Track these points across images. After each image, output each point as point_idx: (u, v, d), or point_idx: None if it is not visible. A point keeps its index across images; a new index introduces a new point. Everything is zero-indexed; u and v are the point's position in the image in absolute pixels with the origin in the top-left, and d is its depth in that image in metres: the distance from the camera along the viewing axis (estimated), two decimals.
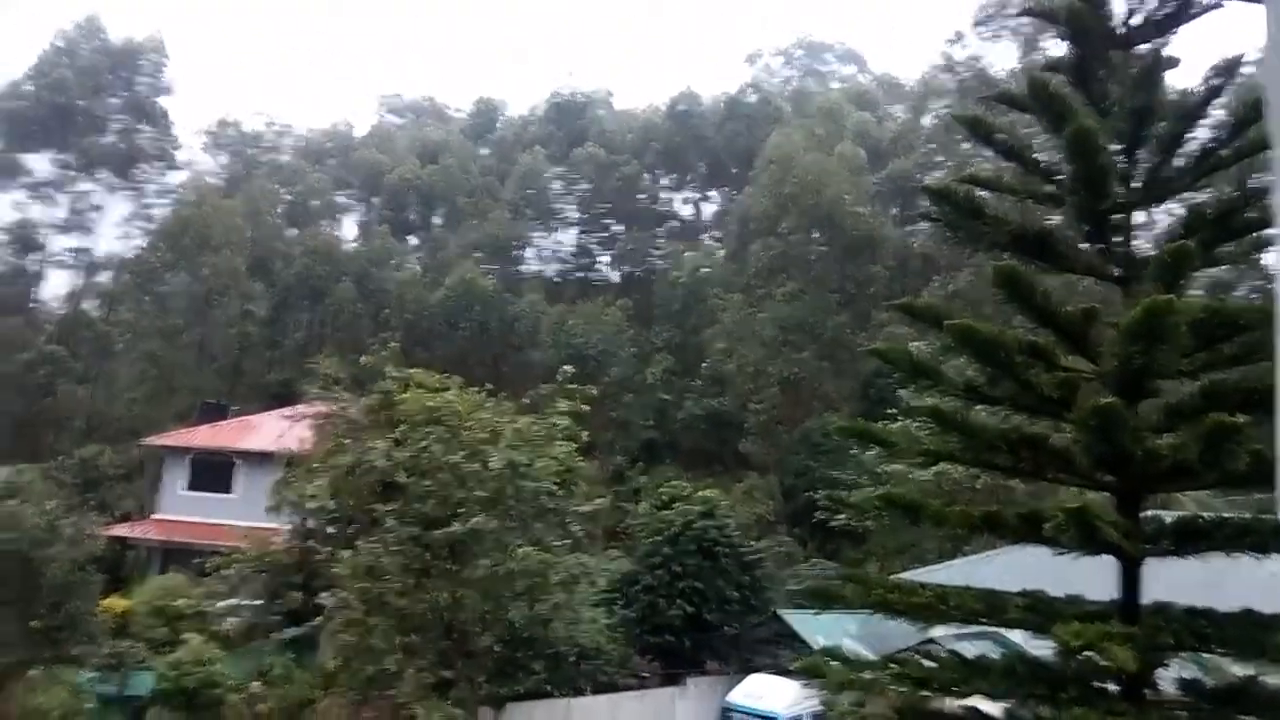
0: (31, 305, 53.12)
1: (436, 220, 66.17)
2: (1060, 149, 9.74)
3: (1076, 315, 9.29)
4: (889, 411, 24.23)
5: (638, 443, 45.76)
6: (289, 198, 65.47)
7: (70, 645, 21.85)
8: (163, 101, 56.63)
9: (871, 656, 10.77)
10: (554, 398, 20.50)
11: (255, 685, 18.35)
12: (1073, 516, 8.20)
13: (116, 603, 25.28)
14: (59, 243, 54.02)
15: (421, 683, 17.03)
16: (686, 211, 69.24)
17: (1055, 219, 10.85)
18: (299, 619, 20.66)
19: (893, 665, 9.65)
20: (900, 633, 10.95)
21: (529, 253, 64.36)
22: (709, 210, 69.12)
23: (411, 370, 22.30)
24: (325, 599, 19.10)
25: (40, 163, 53.01)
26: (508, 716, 19.70)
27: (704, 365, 46.61)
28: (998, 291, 9.58)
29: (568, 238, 67.06)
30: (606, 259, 65.70)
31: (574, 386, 20.59)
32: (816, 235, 46.39)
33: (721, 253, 56.34)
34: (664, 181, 67.77)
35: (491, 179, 65.99)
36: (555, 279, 64.74)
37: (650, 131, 66.45)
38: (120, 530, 31.01)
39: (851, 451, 27.45)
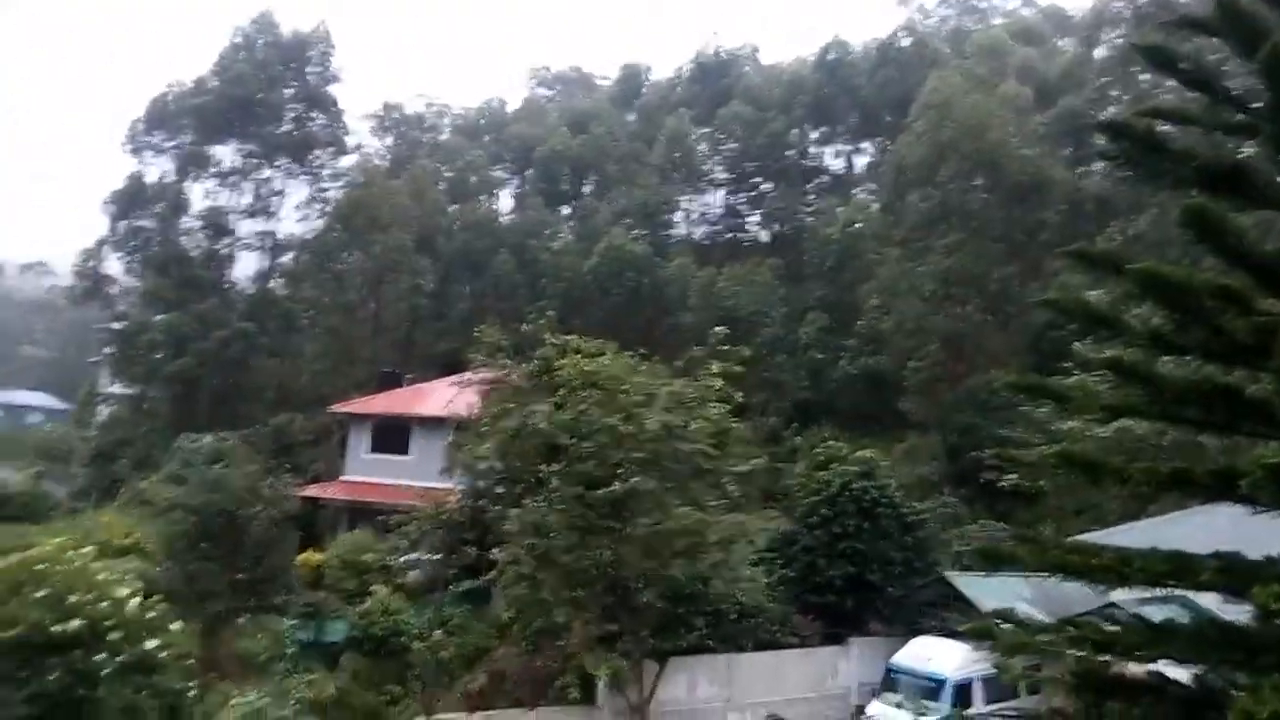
0: (225, 286, 57.82)
1: (587, 189, 67.29)
2: (1254, 74, 8.85)
3: (1274, 254, 8.49)
4: (1062, 366, 22.97)
5: (792, 403, 45.32)
6: (449, 175, 68.26)
7: (272, 595, 23.99)
8: (332, 90, 59.97)
9: (1047, 620, 10.38)
10: (706, 360, 20.59)
11: (437, 634, 19.56)
12: (1272, 472, 7.58)
13: (311, 557, 27.47)
14: (246, 227, 58.37)
15: (589, 635, 17.70)
16: (837, 165, 67.41)
17: (1248, 151, 9.91)
18: (474, 573, 21.83)
19: (1071, 629, 9.27)
20: (1077, 596, 10.48)
21: (677, 216, 64.50)
22: (861, 163, 67.03)
23: (568, 336, 22.93)
24: (497, 554, 20.12)
25: (227, 153, 57.33)
26: (671, 669, 20.17)
27: (859, 323, 45.49)
28: (1185, 232, 8.87)
29: (715, 199, 66.71)
30: (755, 218, 64.99)
31: (726, 348, 20.61)
32: (979, 182, 44.13)
33: (875, 206, 54.54)
34: (813, 136, 66.13)
35: (639, 144, 66.38)
36: (704, 241, 64.66)
37: (798, 85, 64.90)
38: (311, 491, 33.58)
39: (1021, 408, 26.16)
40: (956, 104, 43.70)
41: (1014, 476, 25.89)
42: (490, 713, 19.64)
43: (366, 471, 33.99)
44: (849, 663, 22.52)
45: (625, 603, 18.84)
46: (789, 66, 70.51)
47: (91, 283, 56.54)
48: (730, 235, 64.71)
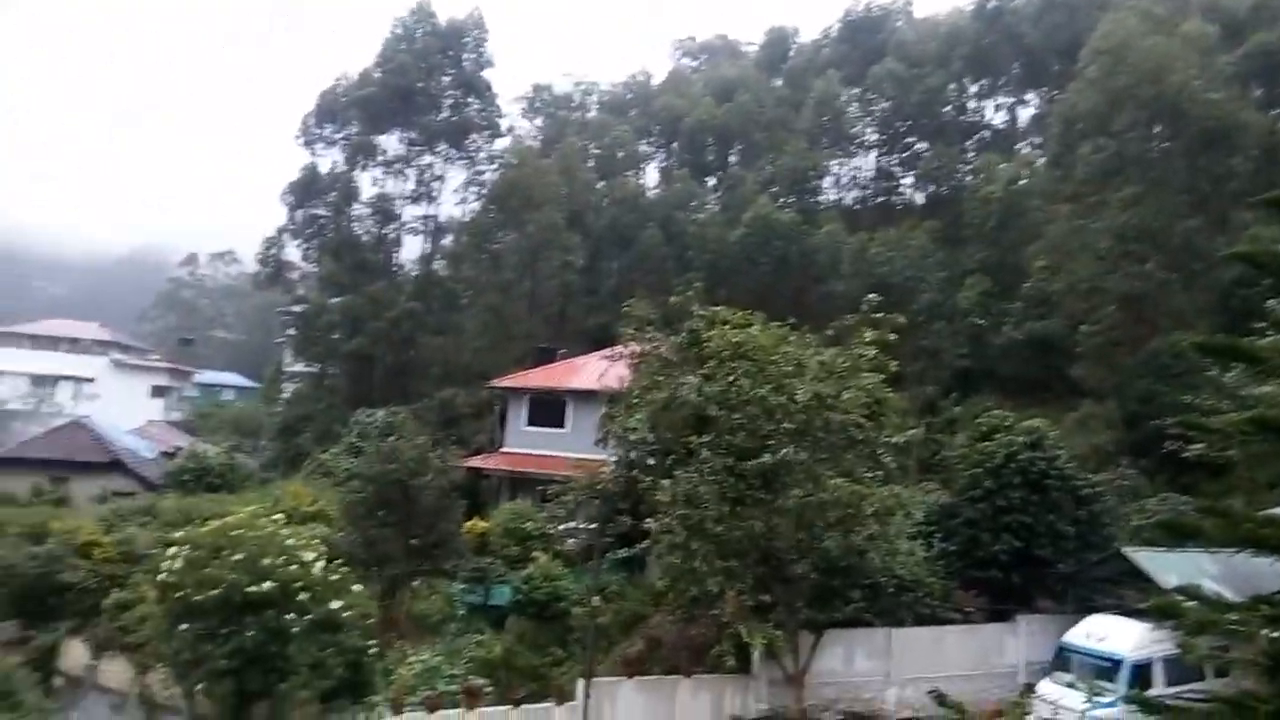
0: (394, 269, 61.05)
1: (733, 159, 66.70)
2: None
3: None
4: (1254, 325, 20.99)
5: (950, 372, 43.61)
6: (597, 152, 69.23)
7: (442, 560, 25.33)
8: (486, 74, 61.77)
9: (1236, 598, 9.61)
10: (859, 329, 20.07)
11: (595, 600, 20.14)
12: None
13: (476, 525, 28.82)
14: (410, 212, 61.35)
15: (742, 605, 17.77)
16: (999, 120, 63.87)
17: None
18: (628, 542, 22.30)
19: (1264, 607, 8.55)
20: (1270, 573, 9.64)
21: (826, 182, 62.97)
22: (1025, 116, 63.23)
23: (716, 308, 22.88)
24: (650, 524, 20.46)
25: (391, 142, 60.22)
26: (828, 641, 19.99)
27: (1025, 285, 43.12)
28: None
29: (866, 162, 64.69)
30: (909, 180, 62.58)
31: (879, 316, 20.01)
32: (1158, 130, 40.74)
33: (1041, 161, 51.31)
34: (972, 90, 62.87)
35: (786, 110, 65.12)
36: (855, 206, 62.89)
37: (956, 37, 61.75)
38: (475, 462, 35.18)
39: (1208, 373, 24.13)
40: (1133, 47, 40.35)
41: (1200, 446, 23.95)
42: (647, 678, 20.11)
43: (525, 443, 35.25)
44: (1016, 640, 21.64)
45: (778, 574, 18.78)
46: (945, 18, 67.21)
47: (274, 269, 60.93)
48: (882, 199, 62.63)
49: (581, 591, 22.70)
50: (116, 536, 28.92)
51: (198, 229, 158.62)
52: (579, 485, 23.79)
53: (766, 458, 17.64)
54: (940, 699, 15.96)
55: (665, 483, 18.93)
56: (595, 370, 30.40)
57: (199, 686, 19.62)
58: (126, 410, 63.98)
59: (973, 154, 59.02)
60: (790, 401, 18.01)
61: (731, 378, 18.84)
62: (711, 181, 66.96)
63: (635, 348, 23.73)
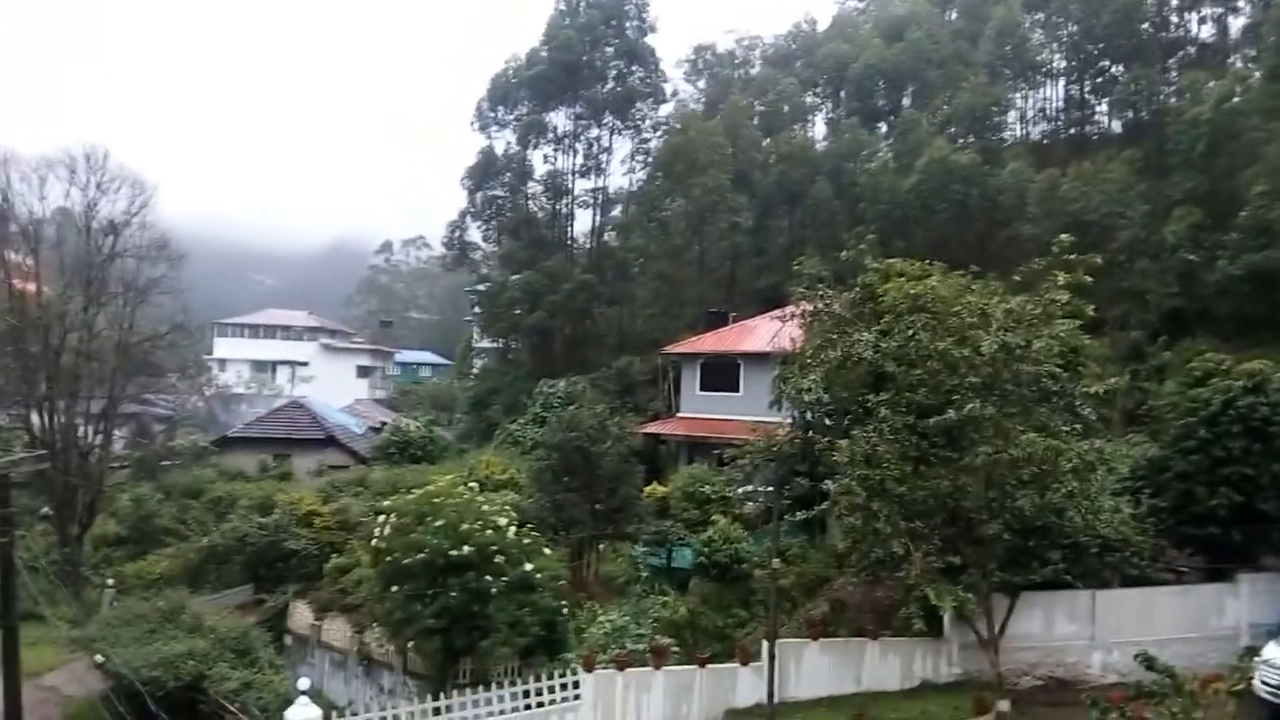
0: (568, 243, 62.72)
1: (905, 102, 63.67)
2: None
3: None
4: None
5: (1157, 314, 40.04)
6: (762, 109, 68.00)
7: (624, 524, 26.03)
8: (649, 40, 61.87)
9: None
10: (1050, 272, 18.72)
11: (775, 562, 20.08)
12: None
13: (656, 489, 29.37)
14: (580, 186, 62.72)
15: (929, 566, 17.19)
16: (1205, 33, 57.42)
17: None
18: (807, 504, 22.07)
19: None
20: None
21: (1010, 117, 58.95)
22: (1237, 26, 56.48)
23: (890, 260, 22.02)
24: (829, 485, 20.13)
25: (559, 118, 61.64)
26: (1024, 605, 19.05)
27: (1242, 215, 38.82)
28: None
29: (1054, 92, 60.07)
30: (1104, 108, 57.53)
31: (1073, 257, 18.56)
32: None
33: (1257, 75, 45.81)
34: (1174, 2, 56.79)
35: (962, 44, 61.41)
36: (1042, 141, 58.63)
37: None
38: (652, 427, 35.80)
39: None
40: None
41: None
42: (832, 640, 19.90)
43: (699, 408, 35.49)
44: (1237, 601, 19.79)
45: (968, 534, 18.01)
46: None
47: (459, 251, 64.05)
48: (1074, 131, 57.99)
49: (762, 554, 22.69)
50: (333, 506, 31.58)
51: (391, 218, 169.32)
52: (755, 448, 23.74)
53: (950, 414, 16.85)
54: (1149, 664, 14.81)
55: (843, 443, 18.50)
56: (767, 332, 30.11)
57: (410, 644, 21.30)
58: (336, 390, 69.65)
59: (1176, 74, 53.42)
60: (975, 354, 17.08)
61: (910, 332, 18.08)
62: (883, 128, 64.26)
63: (807, 306, 23.25)
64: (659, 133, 62.02)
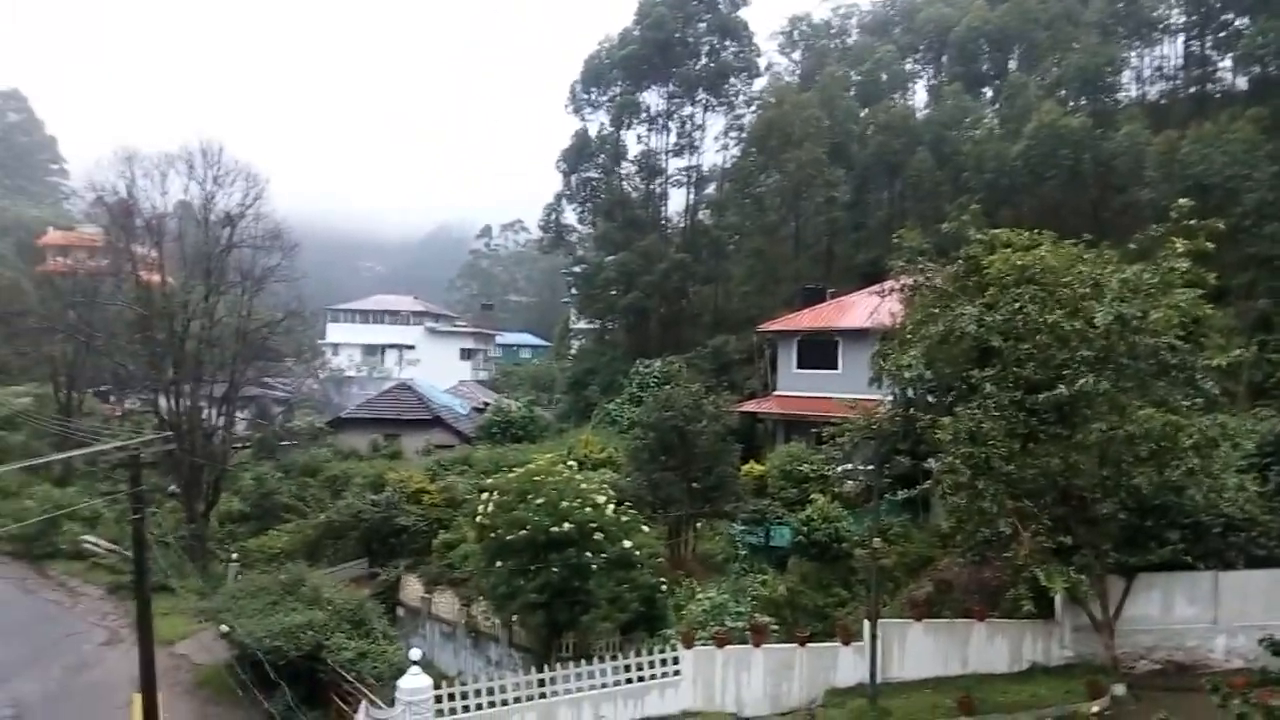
0: (662, 223, 62.66)
1: (1011, 65, 61.06)
2: None
3: None
4: None
5: None
6: (859, 79, 66.30)
7: (721, 502, 26.02)
8: (742, 14, 60.99)
9: None
10: (1168, 239, 17.73)
11: (876, 541, 19.76)
12: None
13: (753, 468, 29.24)
14: (674, 164, 62.47)
15: (1039, 547, 16.62)
16: None
17: None
18: (909, 482, 21.57)
19: None
20: None
21: (1124, 77, 55.81)
22: None
23: (995, 231, 21.25)
24: (932, 464, 19.65)
25: (652, 98, 61.42)
26: (1141, 586, 18.26)
27: None
28: None
29: (1172, 49, 56.62)
30: (1227, 64, 53.93)
31: (1193, 223, 17.54)
32: None
33: None
34: None
35: (1071, 2, 58.40)
36: (1160, 101, 55.43)
37: None
38: (748, 406, 35.58)
39: None
40: None
41: None
42: (937, 620, 19.52)
43: (797, 386, 35.08)
44: None
45: (1080, 514, 17.35)
46: None
47: (555, 234, 64.73)
48: (1194, 89, 54.60)
49: (862, 533, 22.37)
50: (440, 484, 32.57)
51: (491, 203, 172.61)
52: (854, 426, 23.29)
53: (1061, 389, 16.22)
54: (1277, 649, 14.02)
55: (946, 420, 18.03)
56: (866, 307, 29.50)
57: (515, 617, 21.88)
58: (441, 372, 71.65)
59: None
60: (1088, 326, 16.37)
61: (1017, 304, 17.45)
62: (987, 93, 61.86)
63: (907, 280, 22.65)
64: (753, 108, 61.19)
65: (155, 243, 35.35)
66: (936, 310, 19.75)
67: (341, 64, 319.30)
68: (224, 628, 22.42)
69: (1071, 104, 50.81)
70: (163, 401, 33.98)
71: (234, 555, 31.52)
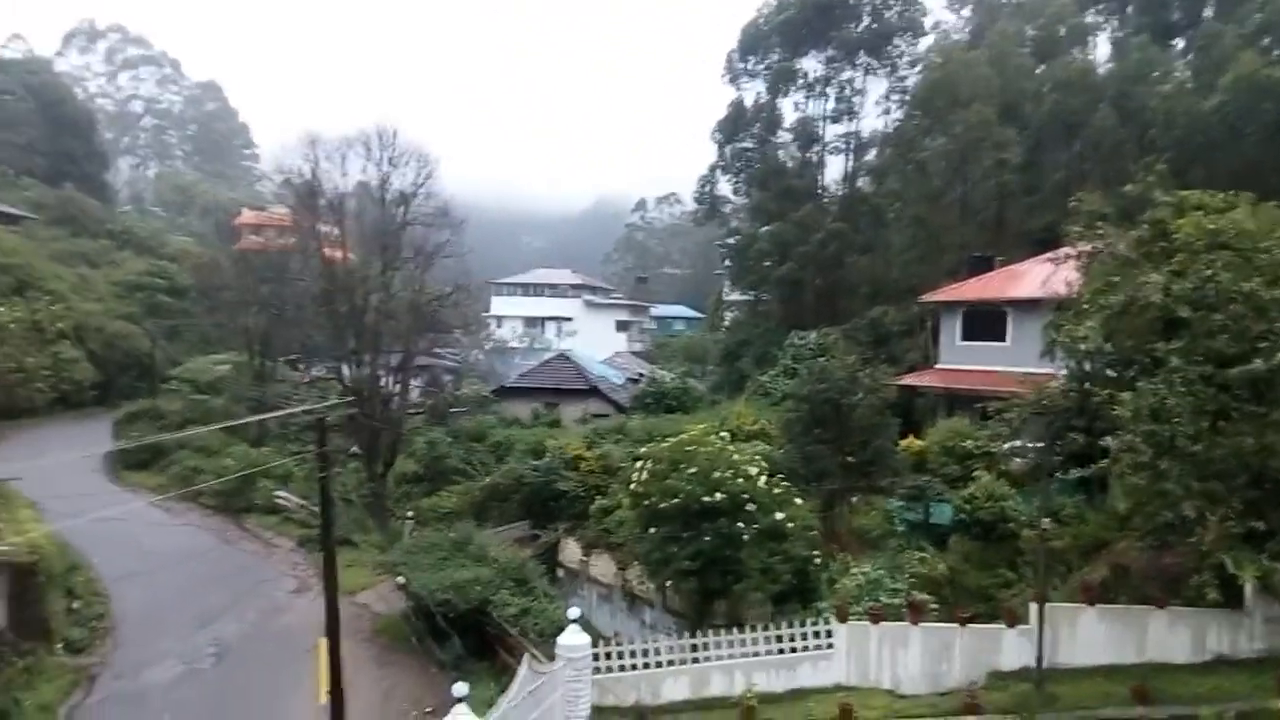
0: (818, 192, 61.35)
1: (1206, 13, 55.74)
2: None
3: None
4: None
5: None
6: (1033, 34, 62.26)
7: (877, 477, 25.50)
8: None
9: None
10: None
11: (1046, 522, 18.88)
12: None
13: (912, 443, 28.43)
14: (832, 131, 60.88)
15: (1228, 532, 15.43)
16: None
17: None
18: (1082, 461, 20.46)
19: None
20: None
21: None
22: None
23: (1185, 192, 19.68)
24: (1109, 442, 18.55)
25: (810, 64, 59.97)
26: None
27: None
28: None
29: None
30: None
31: None
32: None
33: None
34: None
35: None
36: None
37: None
38: (908, 380, 34.53)
39: None
40: None
41: None
42: (1111, 606, 18.49)
43: (960, 359, 33.76)
44: None
45: (1276, 498, 15.97)
46: None
47: (709, 205, 64.63)
48: None
49: (1031, 513, 21.40)
50: (597, 452, 33.47)
51: (646, 177, 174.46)
52: (1024, 401, 22.28)
53: (1258, 364, 14.97)
54: None
55: (1126, 396, 16.97)
56: (1038, 276, 28.00)
57: (668, 583, 22.34)
58: (598, 343, 73.35)
59: None
60: None
61: (1208, 272, 16.19)
62: (1178, 45, 56.79)
63: (1085, 247, 21.38)
64: (917, 69, 58.73)
65: (337, 221, 37.75)
66: (1117, 278, 18.60)
67: (502, 44, 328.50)
68: (400, 580, 23.96)
69: (1276, 54, 45.98)
70: (345, 370, 36.43)
71: (409, 513, 33.58)
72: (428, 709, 19.54)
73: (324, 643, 15.61)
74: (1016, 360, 28.93)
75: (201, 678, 21.47)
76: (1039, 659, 17.43)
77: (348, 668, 16.17)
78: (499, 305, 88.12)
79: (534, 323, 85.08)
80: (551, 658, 17.66)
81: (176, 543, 31.93)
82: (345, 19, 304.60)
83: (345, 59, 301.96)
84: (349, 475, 36.07)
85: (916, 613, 18.91)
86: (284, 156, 38.97)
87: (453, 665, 20.70)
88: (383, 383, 36.74)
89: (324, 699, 15.43)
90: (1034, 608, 17.99)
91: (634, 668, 18.48)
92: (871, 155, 61.53)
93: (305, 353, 46.74)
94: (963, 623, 18.73)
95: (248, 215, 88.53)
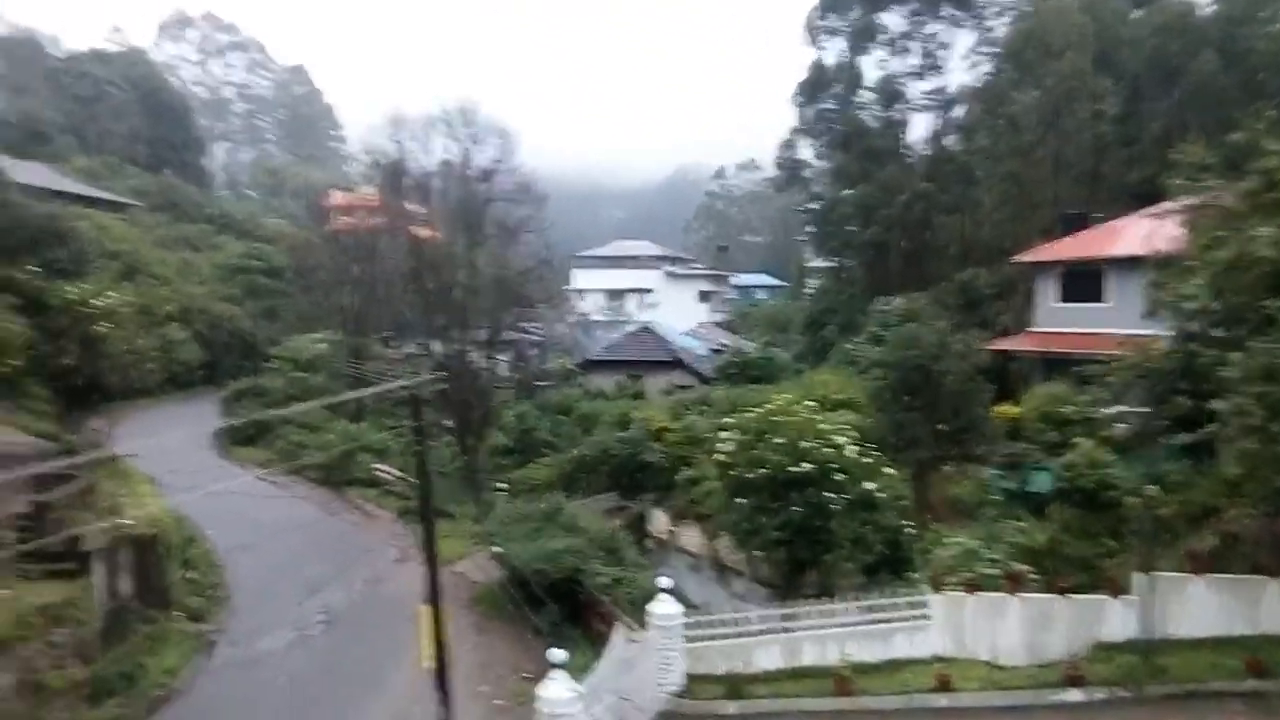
0: (902, 152, 59.73)
1: None
2: None
3: None
4: None
5: None
6: None
7: (970, 445, 24.98)
8: None
9: None
10: None
11: (1150, 489, 18.25)
12: None
13: (1007, 409, 27.72)
14: (916, 88, 59.02)
15: None
16: None
17: None
18: (1189, 425, 19.66)
19: None
20: None
21: None
22: None
23: None
24: (1218, 405, 17.76)
25: (893, 19, 58.12)
26: None
27: None
28: None
29: None
30: None
31: None
32: None
33: None
34: None
35: None
36: None
37: None
38: (1001, 344, 33.61)
39: None
40: None
41: None
42: (1222, 575, 17.82)
43: (1056, 321, 32.67)
44: None
45: None
46: None
47: (790, 170, 63.58)
48: None
49: (1135, 480, 20.70)
50: (681, 423, 33.62)
51: (725, 144, 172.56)
52: (1125, 364, 21.48)
53: None
54: None
55: (1235, 356, 16.20)
56: (1139, 232, 26.84)
57: (757, 553, 22.40)
58: (680, 314, 73.29)
59: None
60: None
61: None
62: None
63: (1189, 200, 20.37)
64: (1005, 19, 56.42)
65: (423, 199, 38.52)
66: (1225, 233, 17.70)
67: (573, 14, 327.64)
68: (497, 549, 24.61)
69: None
70: (435, 345, 37.36)
71: (501, 485, 34.38)
72: (525, 674, 20.12)
73: (426, 609, 16.17)
74: (1117, 321, 27.86)
75: (312, 644, 22.50)
76: (1145, 629, 16.95)
77: (449, 634, 16.74)
78: (580, 278, 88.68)
79: (616, 295, 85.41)
80: (643, 626, 17.95)
81: (284, 514, 33.37)
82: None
83: (426, 35, 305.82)
84: (443, 449, 37.06)
85: (1015, 583, 18.56)
86: (370, 137, 39.98)
87: (548, 632, 21.22)
88: (471, 358, 37.54)
89: (429, 664, 16.02)
90: (1139, 577, 17.49)
91: (725, 637, 18.64)
92: (958, 112, 59.44)
93: (396, 329, 47.99)
94: (1063, 593, 18.31)
95: (337, 197, 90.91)
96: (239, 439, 43.87)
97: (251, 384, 51.83)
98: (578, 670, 15.34)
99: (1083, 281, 32.11)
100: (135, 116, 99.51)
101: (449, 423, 37.67)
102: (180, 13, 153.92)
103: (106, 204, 72.78)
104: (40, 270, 28.90)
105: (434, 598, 16.27)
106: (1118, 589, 18.01)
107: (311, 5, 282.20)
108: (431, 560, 16.46)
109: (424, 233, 38.98)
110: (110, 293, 29.76)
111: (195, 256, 71.35)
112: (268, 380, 51.01)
